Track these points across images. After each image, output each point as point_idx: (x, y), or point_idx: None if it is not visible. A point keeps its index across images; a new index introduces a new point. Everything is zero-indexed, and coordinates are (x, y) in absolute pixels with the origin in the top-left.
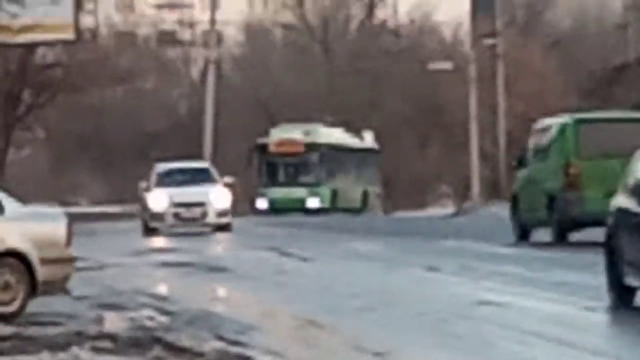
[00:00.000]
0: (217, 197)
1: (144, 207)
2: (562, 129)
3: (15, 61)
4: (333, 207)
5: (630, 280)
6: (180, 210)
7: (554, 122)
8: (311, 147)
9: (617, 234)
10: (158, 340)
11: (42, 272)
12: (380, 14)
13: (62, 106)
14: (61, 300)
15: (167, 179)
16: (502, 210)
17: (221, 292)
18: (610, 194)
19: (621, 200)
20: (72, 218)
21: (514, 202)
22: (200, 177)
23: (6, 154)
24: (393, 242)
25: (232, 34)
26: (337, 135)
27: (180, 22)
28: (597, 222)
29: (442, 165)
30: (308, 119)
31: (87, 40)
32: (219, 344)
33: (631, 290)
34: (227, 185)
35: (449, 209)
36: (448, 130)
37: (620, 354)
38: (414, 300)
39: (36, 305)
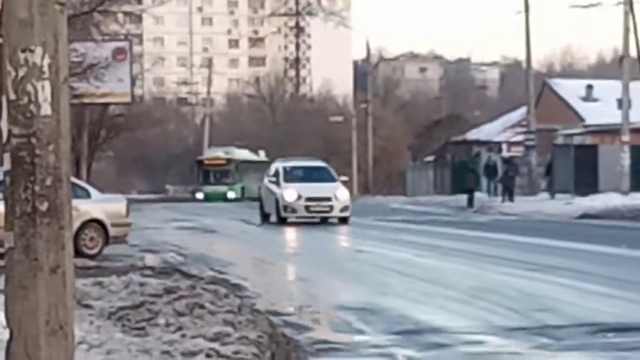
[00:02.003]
0: (342, 193)
1: (269, 197)
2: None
3: (97, 113)
4: (243, 197)
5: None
6: (311, 203)
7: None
8: (229, 161)
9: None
10: (177, 270)
11: (112, 231)
12: (303, 89)
13: (122, 139)
14: (122, 247)
15: (293, 175)
16: (370, 200)
17: (212, 243)
18: None
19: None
20: (129, 201)
21: None
22: (321, 174)
23: (91, 166)
24: None
25: (219, 99)
26: (244, 153)
27: (190, 92)
28: None
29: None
30: (258, 147)
31: (137, 102)
32: (212, 273)
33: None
34: (343, 182)
35: None
36: (340, 155)
37: (439, 280)
38: (322, 250)
39: (108, 250)
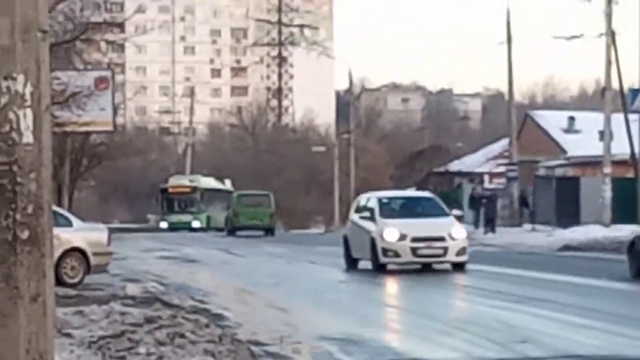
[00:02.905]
0: (458, 231)
1: (360, 237)
2: None
3: (79, 141)
4: (208, 227)
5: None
6: (419, 245)
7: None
8: (194, 189)
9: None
10: (158, 300)
11: (93, 260)
12: (285, 119)
13: (104, 167)
14: (103, 276)
15: (393, 209)
16: None
17: (193, 273)
18: None
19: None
20: (110, 230)
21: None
22: (429, 207)
23: (73, 194)
24: (290, 247)
25: (201, 128)
26: (210, 182)
27: (172, 122)
28: None
29: (318, 204)
30: (239, 178)
31: (119, 130)
32: (193, 302)
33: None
34: (457, 218)
35: (321, 229)
36: (322, 185)
37: (421, 310)
38: (302, 280)
39: (90, 279)
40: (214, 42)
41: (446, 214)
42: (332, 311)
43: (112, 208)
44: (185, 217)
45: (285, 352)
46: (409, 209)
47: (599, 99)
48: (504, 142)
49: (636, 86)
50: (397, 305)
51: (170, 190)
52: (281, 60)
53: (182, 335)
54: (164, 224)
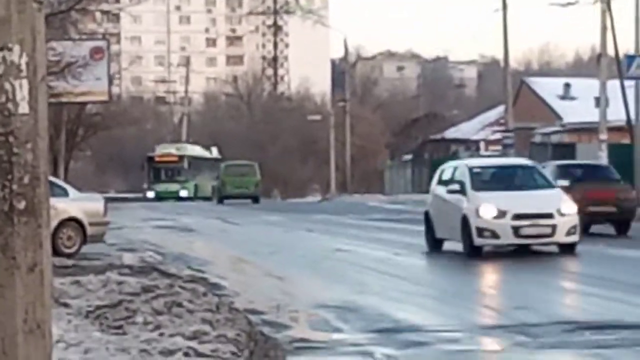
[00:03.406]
0: (568, 206)
1: (448, 214)
2: None
3: (75, 112)
4: (196, 196)
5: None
6: (523, 223)
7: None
8: (181, 157)
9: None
10: (155, 269)
11: (90, 230)
12: (280, 88)
13: (100, 137)
14: (100, 246)
15: (487, 180)
16: (348, 199)
17: (190, 242)
18: None
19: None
20: (107, 200)
21: None
22: (530, 178)
23: (69, 164)
24: (287, 215)
25: (197, 98)
26: (197, 150)
27: (167, 91)
28: None
29: (314, 173)
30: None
31: (114, 100)
32: (190, 271)
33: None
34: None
35: (318, 197)
36: (318, 153)
37: (415, 278)
38: (299, 248)
39: (86, 248)
40: (209, 11)
41: (551, 185)
42: (329, 279)
43: (108, 178)
44: (172, 187)
45: (282, 320)
46: (507, 179)
47: (595, 65)
48: (499, 110)
49: (632, 52)
50: (390, 273)
51: (157, 159)
52: (276, 29)
53: (180, 305)
54: (151, 194)
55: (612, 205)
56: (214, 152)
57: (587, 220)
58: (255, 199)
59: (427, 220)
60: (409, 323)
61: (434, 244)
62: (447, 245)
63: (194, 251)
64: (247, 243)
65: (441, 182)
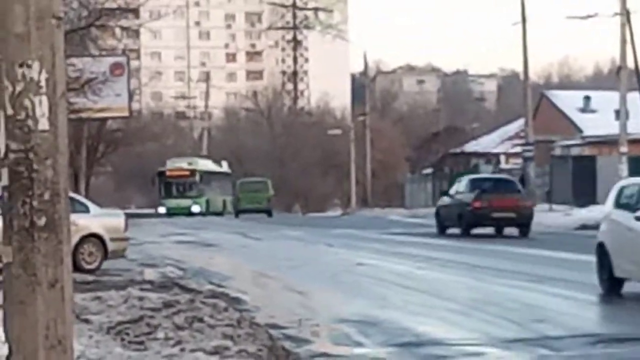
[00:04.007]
0: None
1: (629, 247)
2: None
3: (95, 128)
4: (207, 211)
5: None
6: None
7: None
8: (193, 172)
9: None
10: (176, 284)
11: (111, 246)
12: (300, 102)
13: (121, 153)
14: (121, 261)
15: None
16: (368, 213)
17: (211, 257)
18: None
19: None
20: (127, 216)
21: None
22: None
23: (90, 180)
24: (307, 230)
25: (217, 113)
26: (208, 164)
27: (188, 107)
28: None
29: (335, 187)
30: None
31: (135, 116)
32: (211, 286)
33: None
34: None
35: (339, 212)
36: (338, 167)
37: (437, 291)
38: (320, 263)
39: (107, 264)
40: (229, 26)
41: None
42: (350, 294)
43: (128, 194)
44: (184, 202)
45: (303, 335)
46: None
47: (615, 78)
48: (519, 123)
49: None
50: (412, 287)
51: (168, 173)
52: (296, 43)
53: (201, 320)
54: (162, 209)
55: (512, 211)
56: (224, 166)
57: (492, 224)
58: (269, 213)
59: (602, 253)
60: (431, 337)
61: (611, 284)
62: (630, 287)
63: (214, 266)
64: (268, 258)
65: (621, 204)
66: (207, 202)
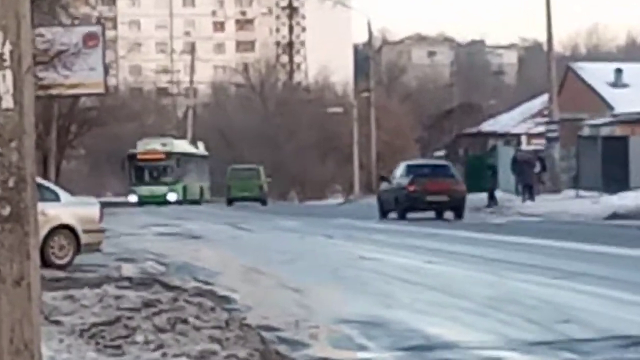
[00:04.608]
0: None
1: None
2: None
3: (67, 106)
4: (185, 199)
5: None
6: None
7: None
8: (169, 154)
9: None
10: (157, 281)
11: (84, 238)
12: (297, 77)
13: (95, 134)
14: (96, 256)
15: None
16: (372, 201)
17: (197, 251)
18: None
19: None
20: (102, 205)
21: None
22: None
23: (60, 165)
24: (304, 220)
25: (203, 89)
26: (184, 145)
27: (170, 82)
28: None
29: (335, 172)
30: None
31: (111, 93)
32: (196, 283)
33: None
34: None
35: (340, 199)
36: (339, 150)
37: (449, 288)
38: (318, 256)
39: (80, 259)
40: None
41: None
42: (351, 291)
43: (104, 180)
44: (158, 189)
45: (300, 338)
46: None
47: None
48: (542, 99)
49: None
50: (421, 283)
51: (139, 156)
52: (292, 11)
53: (185, 321)
54: (133, 197)
55: (446, 195)
56: (201, 148)
57: (427, 207)
58: (263, 202)
59: None
60: (442, 339)
61: None
62: None
63: (200, 261)
64: (261, 251)
65: None
66: (184, 189)
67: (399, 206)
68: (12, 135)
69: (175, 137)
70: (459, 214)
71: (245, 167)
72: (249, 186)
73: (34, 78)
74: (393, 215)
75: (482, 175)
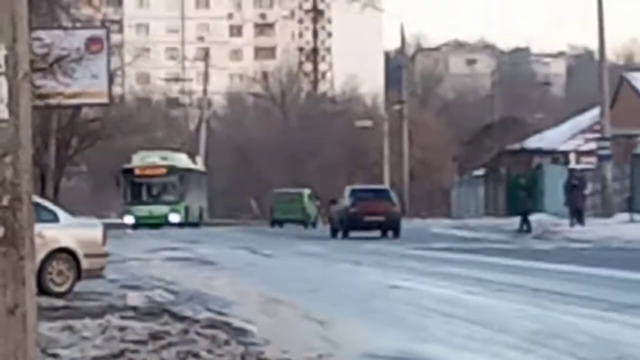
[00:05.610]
0: None
1: None
2: None
3: (67, 117)
4: (186, 221)
5: None
6: None
7: None
8: (171, 169)
9: None
10: (166, 311)
11: (85, 263)
12: (322, 87)
13: (99, 149)
14: (98, 282)
15: None
16: (406, 224)
17: (209, 278)
18: None
19: None
20: (106, 226)
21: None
22: None
23: (60, 182)
24: (329, 245)
25: (218, 99)
26: (184, 160)
27: (182, 91)
28: None
29: None
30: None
31: (116, 103)
32: (209, 314)
33: None
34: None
35: None
36: (368, 168)
37: (489, 322)
38: (344, 285)
39: (81, 286)
40: None
41: None
42: (381, 323)
43: (108, 199)
44: (158, 209)
45: None
46: None
47: None
48: (593, 113)
49: None
50: (459, 316)
51: (137, 172)
52: (316, 14)
53: (196, 355)
54: (129, 219)
55: (382, 216)
56: (199, 163)
57: (366, 227)
58: (305, 224)
59: None
60: None
61: None
62: None
63: (214, 289)
64: (281, 279)
65: None
66: (187, 209)
67: (342, 226)
68: (6, 149)
69: (174, 150)
70: (396, 234)
71: (288, 191)
72: (292, 209)
73: (31, 86)
74: (339, 234)
75: (514, 196)
